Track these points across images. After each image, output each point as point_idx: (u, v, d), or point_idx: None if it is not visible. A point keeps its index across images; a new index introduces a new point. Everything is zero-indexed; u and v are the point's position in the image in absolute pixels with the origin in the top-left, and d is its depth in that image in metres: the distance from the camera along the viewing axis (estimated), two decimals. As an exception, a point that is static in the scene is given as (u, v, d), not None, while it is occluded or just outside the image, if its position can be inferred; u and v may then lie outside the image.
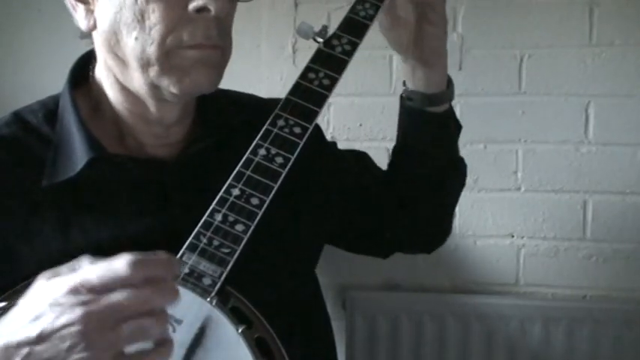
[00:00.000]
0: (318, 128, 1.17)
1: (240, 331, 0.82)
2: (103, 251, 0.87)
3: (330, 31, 1.00)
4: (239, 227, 0.86)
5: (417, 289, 1.77)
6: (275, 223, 0.92)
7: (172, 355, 0.72)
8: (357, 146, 1.75)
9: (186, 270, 0.84)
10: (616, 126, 1.70)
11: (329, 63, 0.97)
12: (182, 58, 0.88)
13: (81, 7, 0.92)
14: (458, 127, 1.17)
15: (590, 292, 1.73)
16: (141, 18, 0.86)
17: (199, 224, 0.86)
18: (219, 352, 0.81)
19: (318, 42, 0.99)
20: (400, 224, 1.18)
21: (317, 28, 0.99)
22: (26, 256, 0.89)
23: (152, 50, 0.87)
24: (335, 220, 1.11)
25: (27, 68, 1.86)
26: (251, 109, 1.05)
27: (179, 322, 0.81)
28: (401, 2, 1.02)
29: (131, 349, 0.69)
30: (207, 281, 0.83)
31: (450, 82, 1.10)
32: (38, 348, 0.69)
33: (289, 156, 0.90)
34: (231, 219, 0.86)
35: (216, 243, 0.85)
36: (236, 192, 0.88)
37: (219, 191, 0.88)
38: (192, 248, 0.85)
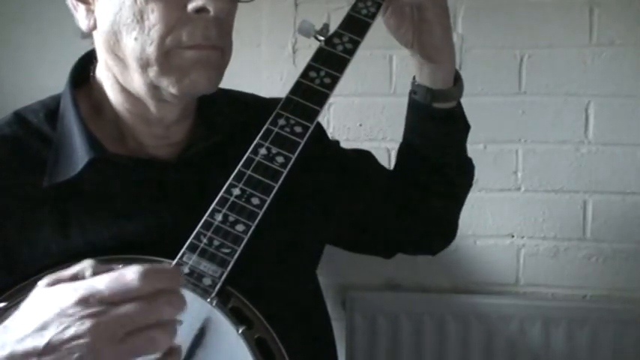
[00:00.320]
0: (320, 128, 1.17)
1: (240, 331, 0.82)
2: (103, 251, 0.87)
3: (332, 29, 0.99)
4: (239, 227, 0.85)
5: (417, 289, 1.77)
6: (276, 223, 0.92)
7: None
8: (356, 146, 1.74)
9: (187, 270, 0.83)
10: (616, 126, 1.70)
11: (330, 61, 0.96)
12: (181, 59, 0.87)
13: (81, 7, 0.92)
14: (466, 127, 1.16)
15: (590, 292, 1.74)
16: (140, 18, 0.86)
17: (200, 224, 0.86)
18: (219, 353, 0.81)
19: (319, 40, 0.98)
20: (404, 224, 1.17)
21: (318, 27, 0.99)
22: (26, 257, 0.89)
23: (151, 50, 0.87)
24: (337, 220, 1.11)
25: (27, 68, 1.86)
26: (252, 109, 1.04)
27: (179, 322, 0.81)
28: (400, 3, 1.02)
29: None
30: (207, 281, 0.83)
31: (458, 80, 1.10)
32: (45, 359, 0.68)
33: (290, 155, 0.89)
34: (231, 219, 0.86)
35: (216, 243, 0.84)
36: (237, 192, 0.87)
37: (219, 191, 0.88)
38: (192, 248, 0.85)
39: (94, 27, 0.92)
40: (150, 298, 0.69)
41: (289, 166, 0.89)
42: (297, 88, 0.95)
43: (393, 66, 1.75)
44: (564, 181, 1.73)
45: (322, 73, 0.95)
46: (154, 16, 0.86)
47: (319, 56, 0.97)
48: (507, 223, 1.75)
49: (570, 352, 1.67)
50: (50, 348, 0.68)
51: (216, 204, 0.87)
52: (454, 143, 1.14)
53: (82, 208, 0.91)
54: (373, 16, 1.00)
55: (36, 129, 0.95)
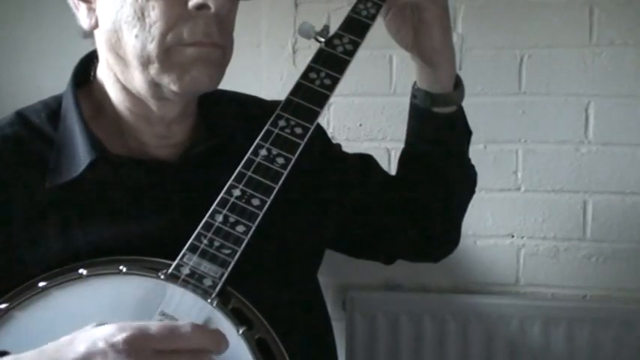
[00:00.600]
0: (322, 131, 1.17)
1: (240, 332, 0.82)
2: (104, 252, 0.88)
3: (332, 30, 0.99)
4: (240, 228, 0.85)
5: (417, 289, 1.77)
6: (277, 224, 0.92)
7: None
8: (357, 146, 1.76)
9: (187, 271, 0.83)
10: (616, 126, 1.70)
11: (330, 63, 0.96)
12: (182, 56, 0.87)
13: (83, 5, 0.92)
14: (468, 133, 1.15)
15: (590, 292, 1.74)
16: (141, 15, 0.86)
17: (200, 225, 0.86)
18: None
19: (319, 42, 0.98)
20: (404, 231, 1.16)
21: (318, 28, 0.99)
22: (28, 257, 0.89)
23: (152, 48, 0.87)
24: (337, 223, 1.11)
25: (27, 68, 1.86)
26: (253, 111, 1.04)
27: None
28: (400, 4, 1.02)
29: None
30: (208, 282, 0.83)
31: (459, 84, 1.09)
32: None
33: (290, 156, 0.89)
34: (232, 220, 0.86)
35: (217, 244, 0.84)
36: (237, 193, 0.87)
37: (220, 192, 0.88)
38: (193, 249, 0.85)
39: (96, 25, 0.92)
40: (195, 354, 0.71)
41: (289, 167, 0.89)
42: (298, 89, 0.95)
43: (393, 66, 1.75)
44: (564, 181, 1.73)
45: (322, 75, 0.95)
46: (154, 14, 0.86)
47: (319, 57, 0.97)
48: (507, 223, 1.75)
49: (570, 352, 1.67)
50: None
51: (217, 205, 0.87)
52: (453, 147, 1.12)
53: (83, 209, 0.91)
54: (373, 18, 1.00)
55: (38, 129, 0.95)
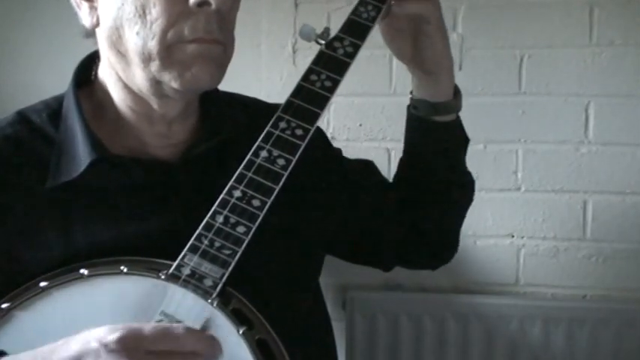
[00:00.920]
0: (323, 135, 1.17)
1: (241, 332, 0.82)
2: (104, 252, 0.88)
3: (332, 32, 0.99)
4: (240, 229, 0.85)
5: (417, 289, 1.77)
6: (277, 225, 0.92)
7: None
8: (357, 146, 1.76)
9: (188, 271, 0.84)
10: (616, 126, 1.70)
11: (331, 65, 0.96)
12: (183, 53, 0.88)
13: (85, 4, 0.92)
14: (465, 140, 1.14)
15: (590, 292, 1.74)
16: (142, 12, 0.86)
17: (201, 226, 0.86)
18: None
19: (320, 44, 0.99)
20: (402, 237, 1.16)
21: (319, 30, 0.99)
22: (28, 257, 0.89)
23: (153, 45, 0.87)
24: (336, 226, 1.10)
25: (27, 68, 1.86)
26: (254, 112, 1.04)
27: (180, 323, 0.81)
28: (397, 15, 1.00)
29: None
30: (208, 283, 0.83)
31: (457, 92, 1.09)
32: None
33: (291, 158, 0.90)
34: (232, 221, 0.86)
35: (217, 244, 0.85)
36: (238, 194, 0.88)
37: (221, 193, 0.88)
38: (193, 250, 0.85)
39: (97, 24, 0.92)
40: (187, 357, 0.72)
41: (290, 169, 0.89)
42: (298, 91, 0.95)
43: (393, 66, 1.75)
44: (564, 181, 1.73)
45: (323, 77, 0.96)
46: (155, 10, 0.86)
47: (320, 60, 0.97)
48: (507, 223, 1.75)
49: (570, 352, 1.67)
50: None
51: (218, 206, 0.87)
52: (452, 155, 1.12)
53: (84, 209, 0.92)
54: (374, 20, 1.00)
55: (39, 129, 0.96)
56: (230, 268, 0.84)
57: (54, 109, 0.98)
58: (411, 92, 1.10)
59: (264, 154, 0.90)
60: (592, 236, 1.73)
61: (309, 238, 1.04)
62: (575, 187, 1.72)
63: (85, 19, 0.93)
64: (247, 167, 0.89)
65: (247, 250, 0.85)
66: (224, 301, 0.83)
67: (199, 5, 0.86)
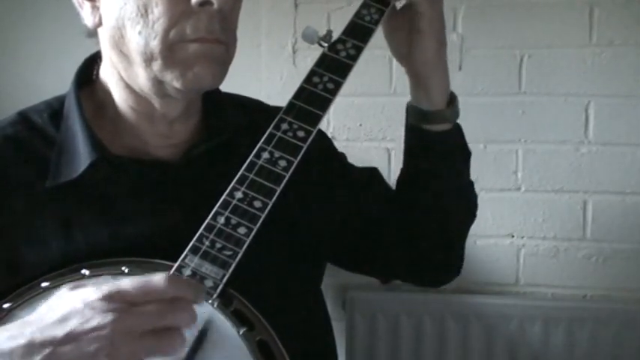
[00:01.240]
0: (328, 140, 1.17)
1: (241, 333, 0.82)
2: (104, 253, 0.88)
3: (335, 34, 0.99)
4: (241, 230, 0.85)
5: (417, 289, 1.76)
6: (278, 225, 0.92)
7: None
8: (357, 146, 1.76)
9: (189, 272, 0.84)
10: (616, 126, 1.70)
11: (333, 67, 0.96)
12: (185, 52, 0.88)
13: (87, 4, 0.92)
14: (466, 153, 1.09)
15: (590, 292, 1.74)
16: (144, 12, 0.86)
17: (202, 227, 0.86)
18: (220, 355, 0.81)
19: (322, 46, 0.99)
20: (401, 250, 1.11)
21: (322, 33, 0.99)
22: (28, 257, 0.89)
23: (155, 44, 0.87)
24: (336, 231, 1.09)
25: (27, 68, 1.86)
26: (256, 114, 1.04)
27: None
28: (395, 9, 1.00)
29: None
30: (209, 283, 0.83)
31: (453, 102, 1.05)
32: (62, 349, 0.70)
33: (292, 159, 0.89)
34: (233, 222, 0.86)
35: (218, 245, 0.84)
36: (239, 195, 0.87)
37: (222, 194, 0.88)
38: (194, 250, 0.85)
39: (100, 24, 0.92)
40: (171, 303, 0.72)
41: (292, 170, 0.89)
42: (301, 92, 0.95)
43: (393, 66, 1.75)
44: (564, 181, 1.73)
45: (325, 79, 0.96)
46: (158, 10, 0.86)
47: (322, 62, 0.97)
48: (507, 223, 1.76)
49: (570, 352, 1.67)
50: (70, 338, 0.70)
51: (219, 207, 0.87)
52: (447, 167, 1.07)
53: (84, 210, 0.92)
54: (376, 23, 0.99)
55: (40, 129, 0.96)
56: (231, 270, 0.84)
57: (55, 109, 0.98)
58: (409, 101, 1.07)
59: (265, 155, 0.90)
60: (592, 236, 1.73)
61: (311, 240, 1.04)
62: (575, 187, 1.73)
63: (88, 18, 0.93)
64: (249, 168, 0.89)
65: (248, 252, 0.85)
66: (225, 302, 0.83)
67: (201, 5, 0.86)
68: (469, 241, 1.73)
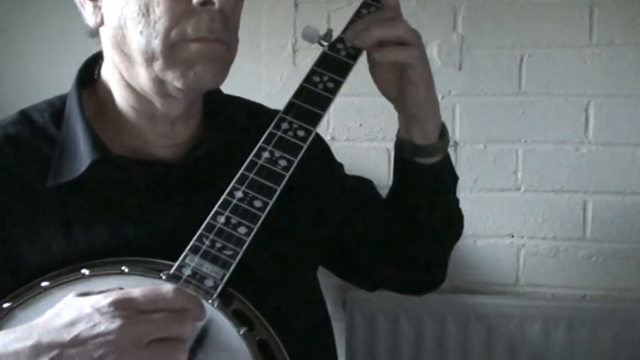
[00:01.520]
0: (326, 147, 1.17)
1: (241, 333, 0.82)
2: (105, 253, 0.88)
3: (335, 34, 0.99)
4: (242, 230, 0.85)
5: (417, 289, 1.77)
6: (278, 225, 0.92)
7: None
8: (357, 146, 1.76)
9: (189, 272, 0.84)
10: (616, 126, 1.70)
11: (334, 66, 0.96)
12: (186, 52, 0.88)
13: (89, 4, 0.93)
14: (454, 179, 1.12)
15: (590, 292, 1.74)
16: (146, 11, 0.86)
17: (202, 226, 0.86)
18: (220, 355, 0.81)
19: (322, 46, 0.99)
20: (388, 262, 1.14)
21: (322, 32, 0.99)
22: (29, 257, 0.89)
23: (157, 44, 0.87)
24: (329, 238, 1.10)
25: (27, 68, 1.86)
26: (257, 115, 1.04)
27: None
28: (378, 62, 0.99)
29: None
30: (209, 283, 0.83)
31: (444, 134, 1.05)
32: (69, 352, 0.71)
33: (292, 159, 0.90)
34: (234, 221, 0.86)
35: (218, 245, 0.85)
36: (239, 194, 0.88)
37: (222, 193, 0.88)
38: (194, 250, 0.85)
39: (101, 23, 0.92)
40: (178, 313, 0.73)
41: (292, 170, 0.89)
42: (301, 92, 0.95)
43: (392, 66, 1.75)
44: (564, 181, 1.73)
45: (325, 78, 0.96)
46: (159, 9, 0.86)
47: (323, 61, 0.97)
48: (507, 223, 1.76)
49: (570, 352, 1.67)
50: (77, 341, 0.71)
51: (219, 206, 0.87)
52: (437, 197, 1.08)
53: (84, 209, 0.92)
54: None
55: (41, 128, 0.96)
56: (231, 269, 0.84)
57: (57, 108, 0.98)
58: (399, 130, 1.07)
59: (266, 155, 0.90)
60: (592, 236, 1.73)
61: (308, 238, 1.04)
62: (575, 187, 1.73)
63: (89, 18, 0.93)
64: (249, 168, 0.89)
65: (248, 251, 0.85)
66: (225, 302, 0.83)
67: (203, 4, 0.86)
68: (469, 241, 1.75)
